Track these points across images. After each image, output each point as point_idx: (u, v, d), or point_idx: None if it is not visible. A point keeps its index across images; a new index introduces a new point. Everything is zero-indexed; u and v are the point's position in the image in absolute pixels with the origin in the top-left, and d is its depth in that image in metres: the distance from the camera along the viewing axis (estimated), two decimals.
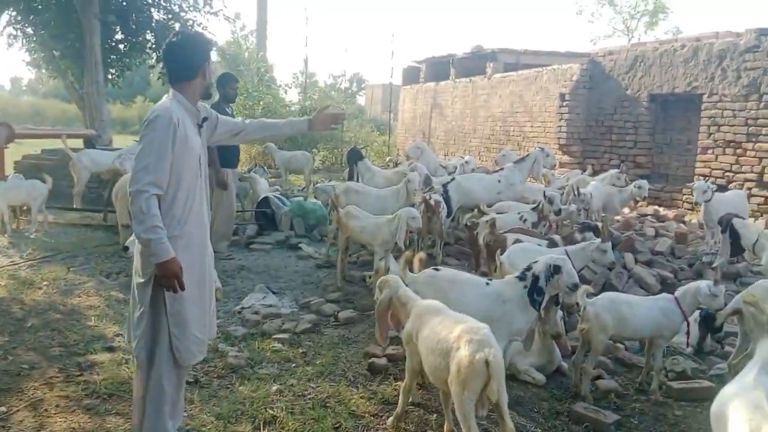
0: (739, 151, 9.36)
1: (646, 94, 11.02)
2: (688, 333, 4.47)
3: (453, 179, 7.63)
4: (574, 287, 3.64)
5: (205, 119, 3.14)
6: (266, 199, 8.82)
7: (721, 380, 4.38)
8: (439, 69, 19.19)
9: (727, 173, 9.53)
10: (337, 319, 5.49)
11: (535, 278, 3.61)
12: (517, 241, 5.40)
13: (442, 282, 3.83)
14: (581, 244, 5.02)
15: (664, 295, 4.40)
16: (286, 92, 25.11)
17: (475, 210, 7.89)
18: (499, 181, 7.77)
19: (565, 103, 12.48)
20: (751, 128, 9.17)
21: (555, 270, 3.60)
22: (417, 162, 9.29)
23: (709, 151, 9.78)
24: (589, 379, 4.07)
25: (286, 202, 8.96)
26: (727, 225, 5.67)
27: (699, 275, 6.40)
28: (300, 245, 7.96)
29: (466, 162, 9.95)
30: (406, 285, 3.87)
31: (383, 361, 4.43)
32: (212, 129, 3.28)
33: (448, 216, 7.38)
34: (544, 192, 6.77)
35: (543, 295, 3.62)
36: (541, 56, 16.60)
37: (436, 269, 4.01)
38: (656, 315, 4.09)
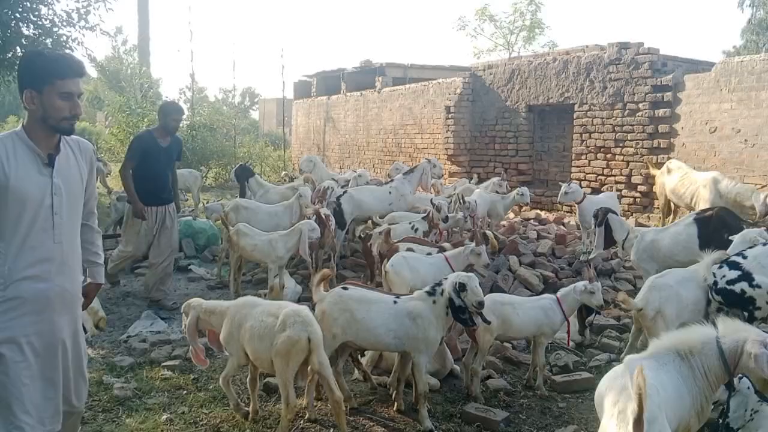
0: (608, 156, 10.11)
1: (524, 105, 11.67)
2: (568, 331, 4.76)
3: (345, 192, 7.69)
4: (479, 305, 3.66)
5: (51, 156, 2.55)
6: None
7: (600, 371, 4.71)
8: (330, 83, 19.31)
9: (599, 177, 10.27)
10: None
11: (451, 299, 3.64)
12: (410, 249, 5.53)
13: (349, 301, 3.78)
14: (458, 249, 5.20)
15: (546, 295, 4.64)
16: None
17: (369, 222, 8.01)
18: (390, 193, 7.93)
19: (450, 115, 12.96)
20: (618, 135, 9.94)
21: (461, 288, 3.64)
22: (310, 175, 9.31)
23: (583, 157, 10.49)
24: (479, 380, 4.23)
25: None
26: (603, 218, 6.00)
27: (578, 273, 6.84)
28: (190, 267, 7.72)
29: (359, 175, 10.06)
30: (315, 303, 3.88)
31: None
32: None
33: (342, 228, 7.42)
34: (431, 200, 7.00)
35: (466, 311, 3.64)
36: (427, 70, 17.14)
37: (345, 288, 3.94)
38: (539, 315, 4.32)
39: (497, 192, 8.55)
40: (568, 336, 4.87)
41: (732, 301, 4.00)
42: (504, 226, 9.37)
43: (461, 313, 3.65)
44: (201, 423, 3.79)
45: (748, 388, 3.43)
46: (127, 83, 24.87)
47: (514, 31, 30.38)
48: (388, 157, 15.74)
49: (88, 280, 2.93)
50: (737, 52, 28.74)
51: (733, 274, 4.04)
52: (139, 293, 6.71)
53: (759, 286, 3.93)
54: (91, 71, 33.74)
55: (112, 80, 31.21)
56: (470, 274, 3.87)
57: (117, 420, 3.84)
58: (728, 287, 4.01)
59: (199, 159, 18.35)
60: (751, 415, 3.42)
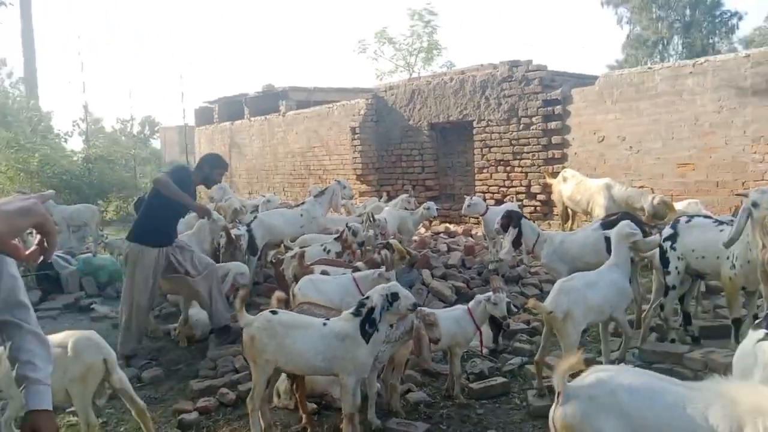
0: (508, 168, 10.57)
1: (426, 123, 12.01)
2: (481, 339, 4.91)
3: (255, 218, 7.57)
4: (414, 307, 3.67)
5: None
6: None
7: (514, 374, 4.88)
8: (232, 108, 19.04)
9: (501, 188, 10.70)
10: (140, 380, 5.13)
11: (370, 310, 3.58)
12: (324, 272, 5.51)
13: (278, 326, 3.68)
14: (366, 272, 5.21)
15: (458, 306, 4.76)
16: (66, 141, 23.07)
17: (281, 246, 7.92)
18: (302, 215, 7.90)
19: (356, 136, 13.12)
20: (515, 148, 10.43)
21: (393, 297, 3.60)
22: (223, 203, 9.14)
23: (485, 171, 10.91)
24: (398, 395, 4.27)
25: (72, 260, 8.17)
26: (517, 221, 6.11)
27: (487, 282, 7.06)
28: (93, 306, 7.31)
29: (268, 200, 9.96)
30: (242, 328, 3.77)
31: (194, 415, 4.24)
32: None
33: (254, 254, 7.30)
34: (347, 224, 7.01)
35: (375, 327, 3.59)
36: (331, 93, 17.28)
37: (274, 312, 3.82)
38: (452, 326, 4.42)
39: (406, 209, 8.72)
40: (481, 344, 5.02)
41: None
42: (415, 241, 9.54)
43: (369, 326, 3.58)
44: None
45: None
46: (14, 118, 23.37)
47: (413, 52, 31.23)
48: (298, 180, 15.67)
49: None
50: (620, 66, 30.93)
51: None
52: None
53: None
54: None
55: None
56: (393, 282, 3.91)
57: None
58: None
59: (97, 193, 17.55)
60: None
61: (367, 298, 3.70)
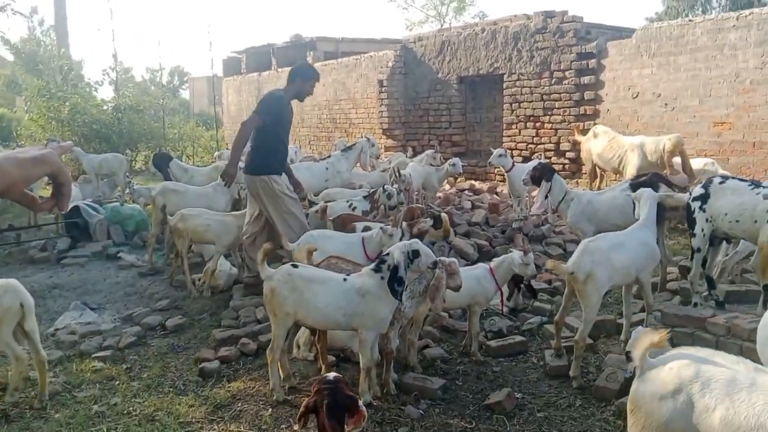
0: (538, 124, 10.33)
1: (455, 76, 11.74)
2: (501, 299, 4.88)
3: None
4: (434, 265, 3.64)
5: None
6: (76, 207, 8.10)
7: (532, 333, 4.86)
8: (260, 59, 18.87)
9: (529, 145, 10.49)
10: (165, 329, 5.25)
11: (395, 268, 3.55)
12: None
13: (298, 280, 3.68)
14: (371, 232, 5.16)
15: (480, 264, 4.71)
16: (96, 90, 23.26)
17: (306, 200, 7.91)
18: (327, 169, 7.87)
19: (384, 89, 12.91)
20: (546, 103, 10.16)
21: (414, 255, 3.58)
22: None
23: (513, 126, 10.68)
24: (415, 350, 4.29)
25: (100, 209, 8.31)
26: (550, 174, 5.78)
27: (510, 240, 7.00)
28: (120, 254, 7.47)
29: (294, 152, 9.96)
30: (263, 280, 3.80)
31: (215, 364, 4.33)
32: None
33: None
34: (383, 186, 6.92)
35: (403, 284, 3.57)
36: (359, 44, 16.99)
37: (294, 266, 3.82)
38: (473, 284, 4.38)
39: (431, 164, 8.61)
40: (502, 303, 5.00)
41: None
42: (440, 197, 9.47)
43: (398, 284, 3.56)
44: (134, 413, 3.70)
45: None
46: (45, 66, 23.60)
47: (444, 2, 30.46)
48: (324, 133, 15.59)
49: None
50: (659, 18, 29.72)
51: None
52: (66, 284, 6.46)
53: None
54: (6, 54, 31.86)
55: (29, 63, 29.53)
56: (416, 240, 3.88)
57: (45, 416, 3.71)
58: None
59: (126, 142, 17.71)
60: None
61: (388, 254, 3.68)
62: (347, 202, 6.78)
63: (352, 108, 14.38)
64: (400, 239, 4.80)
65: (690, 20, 8.56)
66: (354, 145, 8.56)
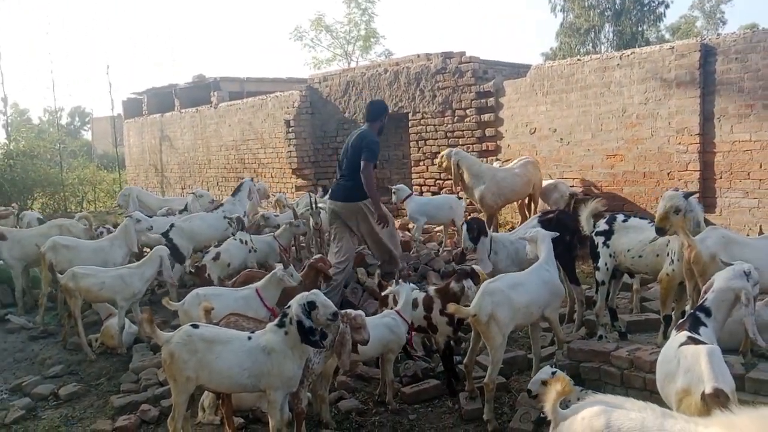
0: None
1: (362, 115, 11.82)
2: (411, 342, 4.84)
3: (172, 226, 7.18)
4: (334, 317, 3.53)
5: None
6: None
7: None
8: (162, 100, 18.34)
9: (437, 181, 10.67)
10: (58, 398, 4.87)
11: (299, 322, 3.43)
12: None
13: (199, 342, 3.47)
14: (267, 277, 5.05)
15: (387, 312, 4.62)
16: None
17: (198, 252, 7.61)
18: (225, 217, 7.64)
19: (291, 129, 12.84)
20: (450, 140, 10.40)
21: (310, 306, 3.47)
22: (129, 209, 8.84)
23: (421, 163, 10.85)
24: (328, 406, 4.15)
25: None
26: (485, 228, 5.47)
27: (423, 278, 7.02)
28: (8, 317, 6.88)
29: (200, 196, 9.63)
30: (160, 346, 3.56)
31: None
32: None
33: (181, 262, 6.97)
34: (262, 214, 7.04)
35: (315, 332, 3.45)
36: (265, 83, 16.89)
37: (195, 326, 3.61)
38: (383, 333, 4.31)
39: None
40: (411, 346, 4.97)
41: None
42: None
43: (311, 335, 3.47)
44: None
45: None
46: None
47: (350, 41, 30.94)
48: (232, 174, 15.25)
49: None
50: (554, 54, 31.50)
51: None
52: None
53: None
54: None
55: None
56: (314, 290, 3.75)
57: None
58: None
59: (20, 190, 16.64)
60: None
61: (289, 307, 3.57)
62: (235, 238, 6.68)
63: (261, 148, 14.17)
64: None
65: (579, 59, 9.06)
66: (240, 186, 8.48)
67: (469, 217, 6.72)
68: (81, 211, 13.74)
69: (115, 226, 8.16)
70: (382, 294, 5.00)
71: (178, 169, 17.54)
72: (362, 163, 5.97)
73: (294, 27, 30.01)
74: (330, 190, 6.70)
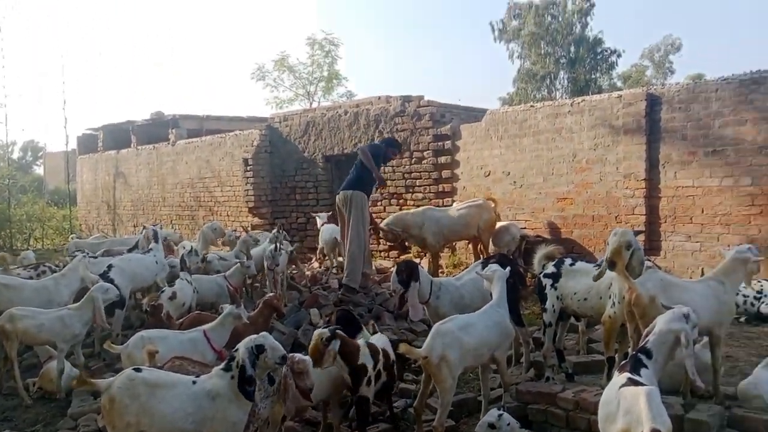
0: (401, 201, 10.63)
1: (320, 155, 11.92)
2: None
3: (111, 266, 6.97)
4: (282, 360, 3.46)
5: None
6: None
7: (398, 417, 4.77)
8: (118, 136, 18.12)
9: None
10: None
11: (242, 368, 3.34)
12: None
13: (141, 386, 3.34)
14: (219, 318, 4.97)
15: None
16: None
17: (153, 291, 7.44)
18: (157, 262, 7.51)
19: (249, 168, 12.80)
20: (408, 181, 10.53)
21: (258, 350, 3.38)
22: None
23: (378, 204, 10.90)
24: None
25: None
26: (418, 272, 5.12)
27: (377, 318, 6.97)
28: None
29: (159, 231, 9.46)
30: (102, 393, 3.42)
31: None
32: None
33: (122, 307, 6.72)
34: (191, 247, 7.10)
35: (254, 383, 3.36)
36: (224, 121, 16.86)
37: (137, 370, 3.49)
38: (333, 373, 4.25)
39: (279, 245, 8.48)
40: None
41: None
42: (307, 276, 9.36)
43: (249, 384, 3.38)
44: None
45: (508, 424, 3.67)
46: None
47: (313, 81, 31.25)
48: (187, 212, 15.06)
49: None
50: (511, 99, 32.43)
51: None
52: None
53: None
54: None
55: None
56: (263, 332, 3.68)
57: None
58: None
59: None
60: None
61: (237, 350, 3.49)
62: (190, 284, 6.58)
63: (217, 186, 14.06)
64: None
65: (532, 106, 9.35)
66: (155, 234, 8.39)
67: (400, 260, 6.80)
68: (27, 249, 13.32)
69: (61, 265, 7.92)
70: None
71: (132, 207, 17.22)
72: (360, 151, 7.78)
73: (257, 66, 30.05)
74: None
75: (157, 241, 7.69)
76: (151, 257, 7.47)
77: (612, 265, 4.16)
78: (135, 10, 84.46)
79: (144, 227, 9.66)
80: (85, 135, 20.04)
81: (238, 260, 7.64)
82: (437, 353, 3.97)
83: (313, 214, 10.72)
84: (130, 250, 8.20)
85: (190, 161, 14.89)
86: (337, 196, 7.90)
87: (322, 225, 10.03)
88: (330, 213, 10.40)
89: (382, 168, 8.71)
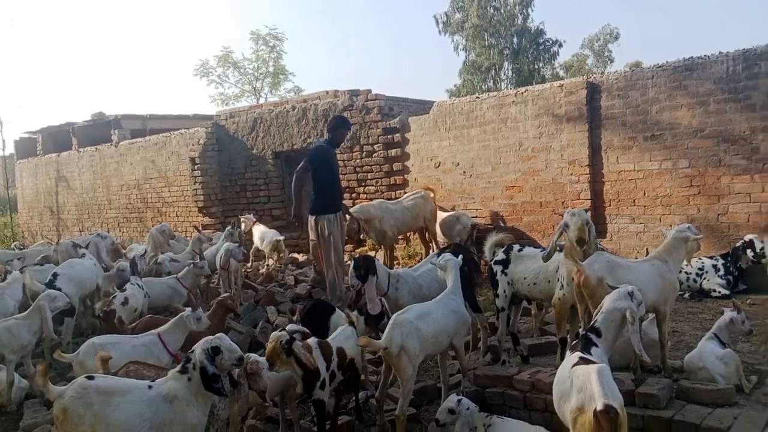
0: (354, 195, 10.65)
1: (270, 152, 11.81)
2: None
3: (56, 274, 6.75)
4: (240, 361, 3.45)
5: None
6: None
7: (361, 410, 4.81)
8: (58, 139, 17.50)
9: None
10: None
11: (203, 368, 3.32)
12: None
13: (94, 394, 3.25)
14: (173, 320, 4.91)
15: None
16: None
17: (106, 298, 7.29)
18: (95, 265, 7.41)
19: (197, 167, 12.59)
20: (359, 175, 10.56)
21: (214, 351, 3.36)
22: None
23: None
24: None
25: None
26: (374, 266, 5.21)
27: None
28: None
29: (103, 237, 9.20)
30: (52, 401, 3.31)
31: None
32: None
33: (72, 315, 6.54)
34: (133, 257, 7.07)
35: (219, 379, 3.34)
36: (169, 120, 16.50)
37: (90, 377, 3.40)
38: (285, 374, 4.25)
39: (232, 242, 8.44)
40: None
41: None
42: (262, 274, 9.29)
43: (214, 382, 3.38)
44: None
45: (468, 408, 3.76)
46: None
47: (259, 77, 30.83)
48: (135, 214, 14.70)
49: None
50: (458, 91, 32.75)
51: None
52: None
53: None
54: None
55: None
56: (219, 334, 3.66)
57: None
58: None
59: None
60: (485, 429, 3.77)
61: (192, 352, 3.46)
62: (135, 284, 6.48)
63: (165, 186, 13.76)
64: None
65: (477, 97, 9.50)
66: (87, 245, 8.36)
67: (357, 255, 6.84)
68: None
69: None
70: None
71: (76, 211, 16.69)
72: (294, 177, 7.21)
73: (200, 63, 29.45)
74: None
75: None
76: (88, 260, 7.32)
77: (581, 242, 4.31)
78: (68, 4, 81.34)
79: (99, 234, 9.40)
80: (23, 139, 19.30)
81: (191, 261, 7.52)
82: (396, 344, 4.03)
83: (241, 217, 10.57)
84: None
85: (135, 162, 14.53)
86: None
87: (252, 226, 10.10)
88: (256, 213, 10.99)
89: (338, 150, 8.32)
